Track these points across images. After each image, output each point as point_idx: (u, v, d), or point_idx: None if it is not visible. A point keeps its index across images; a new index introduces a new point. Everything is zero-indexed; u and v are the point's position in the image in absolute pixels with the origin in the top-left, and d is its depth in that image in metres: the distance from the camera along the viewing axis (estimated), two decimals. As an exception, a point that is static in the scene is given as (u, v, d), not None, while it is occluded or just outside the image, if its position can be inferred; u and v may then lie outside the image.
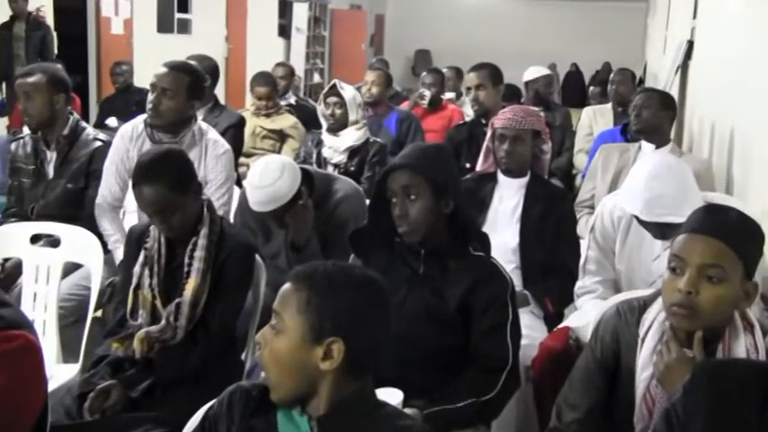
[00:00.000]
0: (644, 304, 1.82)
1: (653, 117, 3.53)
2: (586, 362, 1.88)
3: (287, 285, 1.41)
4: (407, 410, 1.90)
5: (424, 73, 5.70)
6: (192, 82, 3.02)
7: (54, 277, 2.79)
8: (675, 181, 2.33)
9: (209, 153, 3.05)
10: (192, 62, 3.31)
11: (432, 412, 1.96)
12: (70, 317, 2.86)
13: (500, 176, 2.99)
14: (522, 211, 2.91)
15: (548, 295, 2.80)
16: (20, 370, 1.44)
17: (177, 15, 10.82)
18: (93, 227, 2.97)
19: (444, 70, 6.15)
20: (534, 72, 5.76)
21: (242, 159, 4.46)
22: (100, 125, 5.89)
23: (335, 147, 3.88)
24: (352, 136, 3.88)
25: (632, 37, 16.54)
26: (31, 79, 3.10)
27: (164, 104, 2.97)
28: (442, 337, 2.08)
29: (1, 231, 2.95)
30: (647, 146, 3.55)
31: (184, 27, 10.97)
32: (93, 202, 3.12)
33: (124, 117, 5.03)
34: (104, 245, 2.97)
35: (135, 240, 2.41)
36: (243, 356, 2.53)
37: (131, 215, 3.20)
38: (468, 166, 3.83)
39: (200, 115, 3.50)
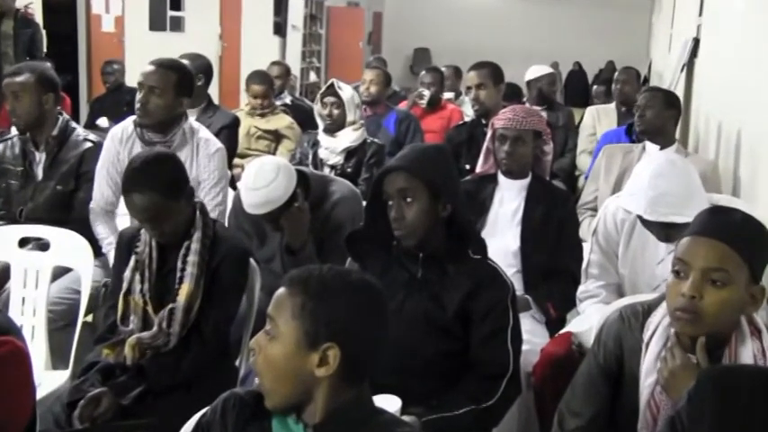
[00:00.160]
0: (648, 309, 1.80)
1: (656, 117, 3.50)
2: (589, 368, 1.85)
3: (281, 290, 1.39)
4: (405, 418, 1.87)
5: (423, 72, 5.64)
6: (180, 79, 2.99)
7: (43, 281, 2.75)
8: (680, 179, 2.30)
9: (200, 152, 3.03)
10: (182, 59, 3.29)
11: (430, 420, 1.94)
12: (60, 321, 2.83)
13: (500, 178, 2.96)
14: (523, 214, 2.88)
15: (550, 300, 2.77)
16: (7, 377, 1.43)
17: (170, 13, 10.74)
18: (83, 230, 2.93)
19: (443, 69, 6.11)
20: (537, 70, 5.71)
21: (236, 160, 4.44)
22: (90, 126, 5.84)
23: (332, 148, 3.84)
24: (349, 137, 3.84)
25: (637, 35, 16.44)
26: (19, 78, 3.07)
27: (152, 103, 2.94)
28: (441, 343, 2.06)
29: (-12, 234, 2.91)
30: (651, 147, 3.52)
31: (177, 25, 10.91)
32: (83, 205, 3.09)
33: (115, 117, 5.00)
34: (95, 248, 2.94)
35: (125, 244, 2.39)
36: (237, 363, 2.51)
37: (123, 218, 3.16)
38: (467, 167, 3.79)
39: (193, 116, 3.49)
